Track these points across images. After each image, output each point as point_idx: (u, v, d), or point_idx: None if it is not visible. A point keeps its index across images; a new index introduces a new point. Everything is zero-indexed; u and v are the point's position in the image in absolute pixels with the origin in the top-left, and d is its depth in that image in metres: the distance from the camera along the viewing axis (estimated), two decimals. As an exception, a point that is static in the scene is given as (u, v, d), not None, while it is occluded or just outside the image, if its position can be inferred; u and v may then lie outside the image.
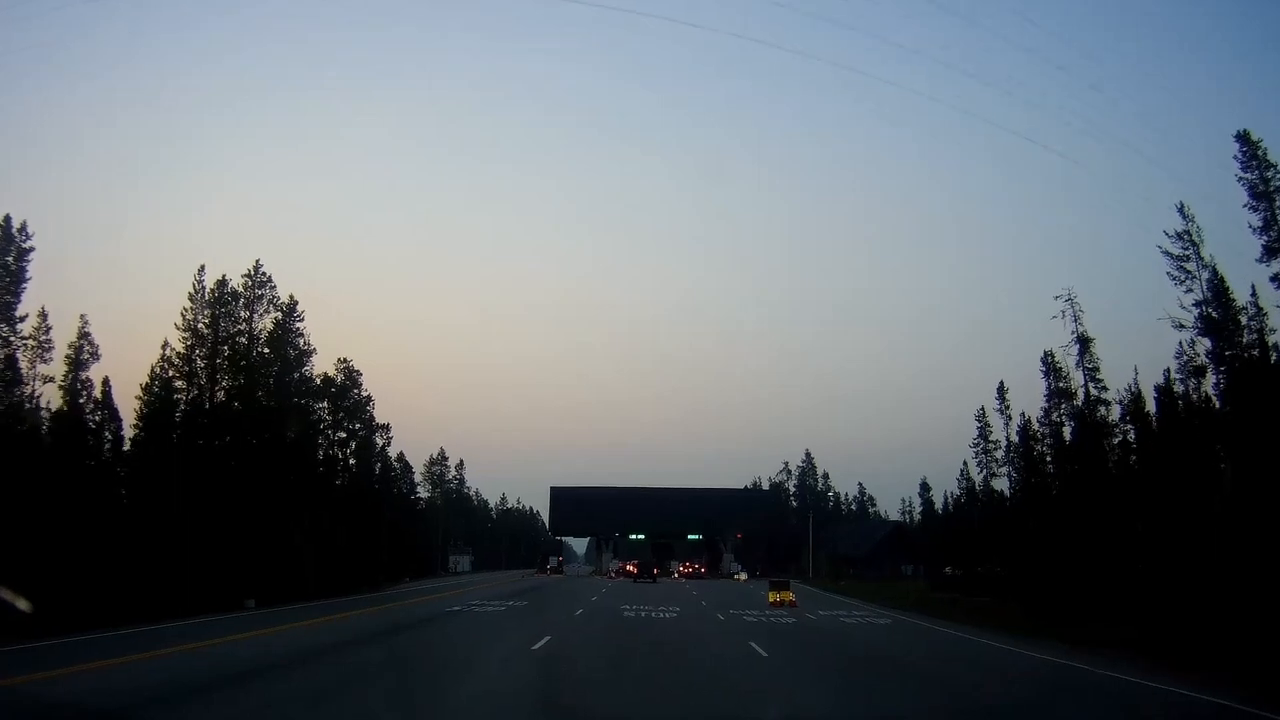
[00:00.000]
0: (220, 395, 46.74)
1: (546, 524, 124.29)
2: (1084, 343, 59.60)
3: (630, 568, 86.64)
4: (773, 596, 41.43)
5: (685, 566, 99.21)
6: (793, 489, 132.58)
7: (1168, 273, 42.12)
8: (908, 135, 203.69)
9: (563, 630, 25.19)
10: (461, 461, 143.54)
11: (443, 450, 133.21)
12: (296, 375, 53.68)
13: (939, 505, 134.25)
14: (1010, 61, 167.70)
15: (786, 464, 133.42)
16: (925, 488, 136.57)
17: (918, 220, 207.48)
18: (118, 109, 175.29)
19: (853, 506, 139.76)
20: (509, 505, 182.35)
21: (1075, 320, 55.22)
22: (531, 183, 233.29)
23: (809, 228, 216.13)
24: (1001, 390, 76.97)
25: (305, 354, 54.22)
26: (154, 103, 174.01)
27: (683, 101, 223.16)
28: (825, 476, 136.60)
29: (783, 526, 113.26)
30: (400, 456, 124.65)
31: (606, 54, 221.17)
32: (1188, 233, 43.14)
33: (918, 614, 37.98)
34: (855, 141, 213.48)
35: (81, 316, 45.89)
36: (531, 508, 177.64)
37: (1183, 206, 39.89)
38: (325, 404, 60.22)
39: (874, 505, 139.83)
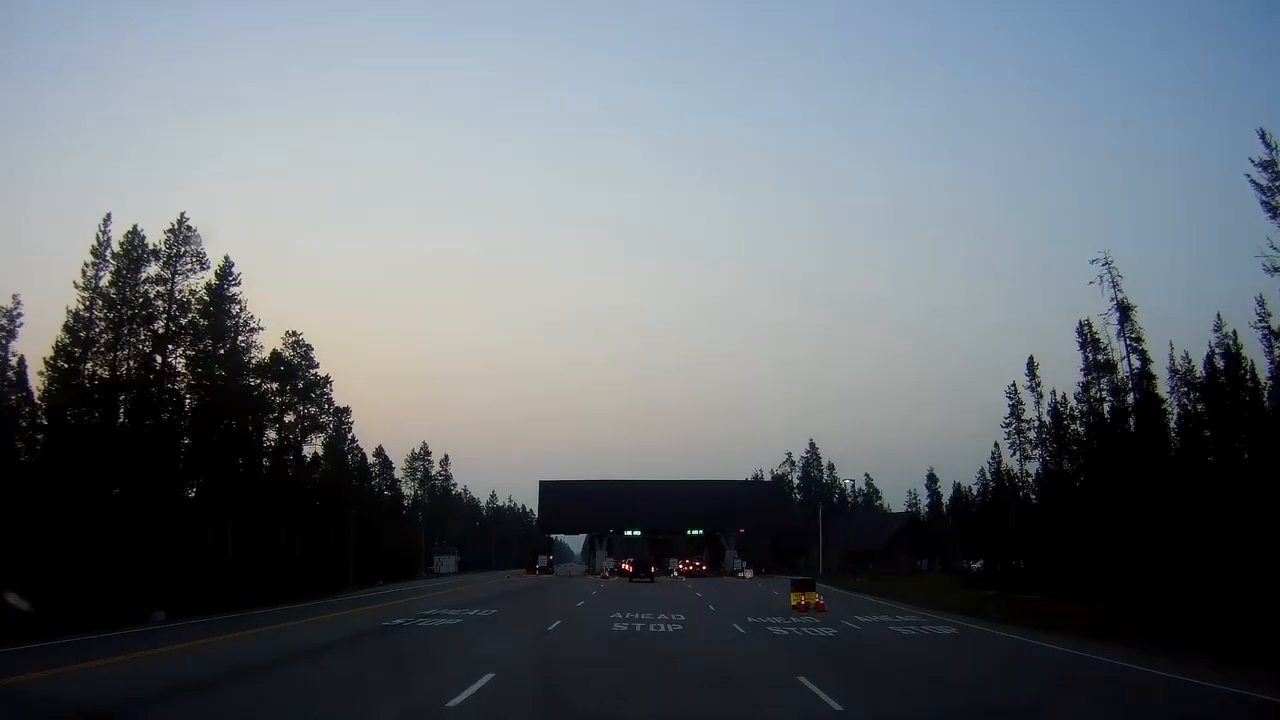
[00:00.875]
0: (130, 368, 39.19)
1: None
2: (1124, 310, 53.03)
3: (626, 566, 79.24)
4: (796, 599, 34.07)
5: (685, 564, 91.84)
6: (796, 481, 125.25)
7: (1262, 202, 37.27)
8: (923, 102, 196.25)
9: (521, 658, 17.86)
10: (446, 456, 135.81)
11: (425, 444, 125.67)
12: (228, 346, 46.02)
13: (947, 497, 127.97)
14: None
15: (789, 455, 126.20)
16: (933, 479, 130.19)
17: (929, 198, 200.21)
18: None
19: (858, 499, 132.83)
20: (500, 503, 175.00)
21: (1114, 286, 48.45)
22: (527, 177, 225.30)
23: (817, 213, 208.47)
24: (1031, 367, 70.03)
25: (245, 326, 46.62)
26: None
27: (681, 88, 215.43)
28: (831, 468, 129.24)
29: (787, 520, 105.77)
30: (379, 451, 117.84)
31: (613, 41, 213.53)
32: (1273, 162, 37.58)
33: (976, 619, 30.54)
34: (866, 106, 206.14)
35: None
36: (524, 506, 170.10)
37: (1264, 134, 35.07)
38: (276, 385, 52.67)
39: (878, 498, 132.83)
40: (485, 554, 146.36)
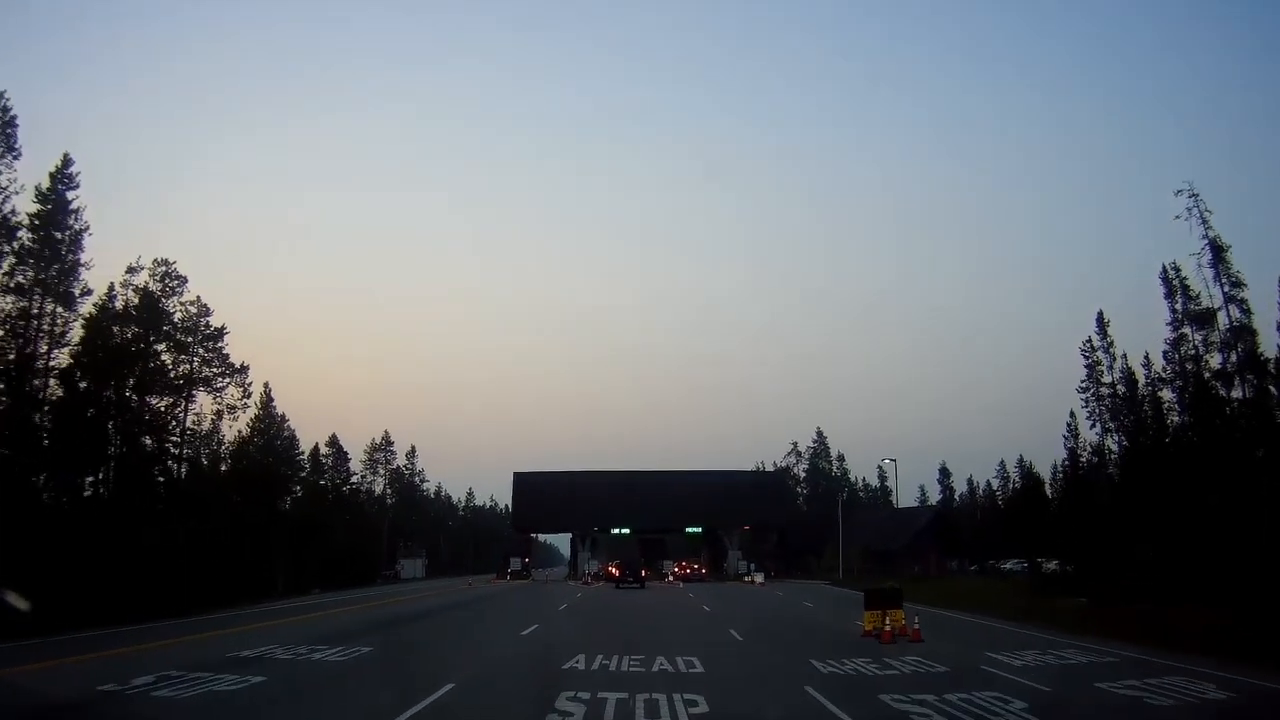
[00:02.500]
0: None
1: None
2: (1218, 250, 43.58)
3: (612, 569, 66.51)
4: (873, 621, 21.53)
5: (681, 567, 79.18)
6: (802, 474, 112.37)
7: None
8: (928, 82, 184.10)
9: None
10: (413, 448, 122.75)
11: (387, 434, 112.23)
12: (56, 270, 33.11)
13: (958, 493, 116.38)
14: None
15: (795, 445, 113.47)
16: (945, 474, 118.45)
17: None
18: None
19: (874, 495, 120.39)
20: (480, 502, 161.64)
21: (1203, 222, 40.63)
22: (524, 176, 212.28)
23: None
24: (1103, 323, 57.99)
25: (77, 236, 33.73)
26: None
27: (681, 88, 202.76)
28: (841, 459, 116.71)
29: (797, 516, 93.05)
30: (333, 440, 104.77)
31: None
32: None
33: (1171, 653, 17.64)
34: (867, 100, 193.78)
35: None
36: (506, 506, 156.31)
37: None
38: (136, 330, 39.62)
39: (890, 494, 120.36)
40: (463, 557, 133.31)
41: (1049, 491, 69.44)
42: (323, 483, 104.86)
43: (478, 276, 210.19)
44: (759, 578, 66.09)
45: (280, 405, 72.88)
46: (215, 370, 48.43)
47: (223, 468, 72.97)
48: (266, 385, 77.90)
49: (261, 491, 71.78)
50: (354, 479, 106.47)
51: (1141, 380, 52.59)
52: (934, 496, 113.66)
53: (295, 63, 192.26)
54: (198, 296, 44.91)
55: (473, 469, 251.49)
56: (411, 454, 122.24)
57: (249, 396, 50.37)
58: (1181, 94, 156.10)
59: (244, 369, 47.99)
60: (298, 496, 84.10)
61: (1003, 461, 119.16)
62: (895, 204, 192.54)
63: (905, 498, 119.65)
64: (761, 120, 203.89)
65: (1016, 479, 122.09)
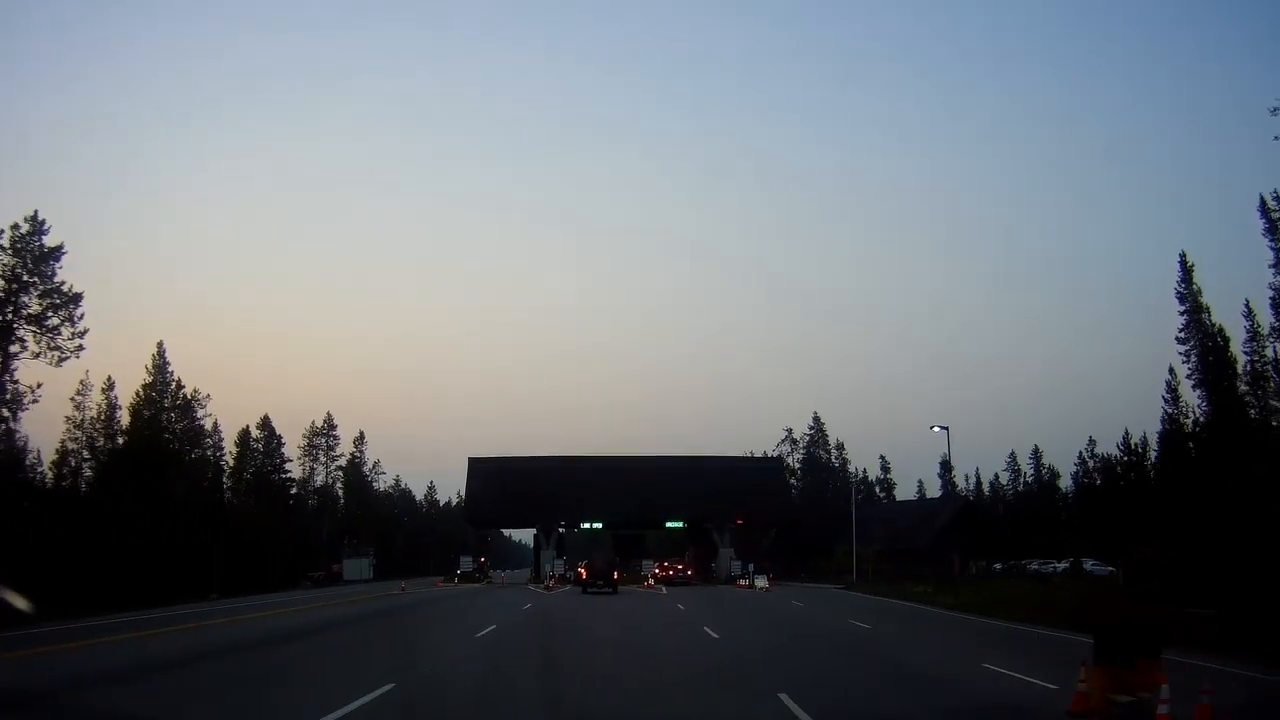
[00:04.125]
0: None
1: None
2: None
3: (582, 570, 54.49)
4: (1102, 686, 9.18)
5: (662, 568, 67.23)
6: (796, 464, 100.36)
7: None
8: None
9: None
10: (362, 434, 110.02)
11: (330, 417, 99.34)
12: None
13: (962, 486, 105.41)
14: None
15: (789, 432, 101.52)
16: (946, 466, 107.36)
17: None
18: None
19: (861, 490, 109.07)
20: (444, 498, 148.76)
21: None
22: (504, 170, 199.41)
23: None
24: (1186, 268, 46.83)
25: None
26: None
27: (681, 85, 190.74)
28: (840, 447, 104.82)
29: (795, 509, 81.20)
30: (265, 423, 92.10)
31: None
32: None
33: None
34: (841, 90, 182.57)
35: None
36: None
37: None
38: None
39: (893, 488, 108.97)
40: (422, 557, 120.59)
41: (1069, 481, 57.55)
42: (278, 476, 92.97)
43: (443, 259, 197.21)
44: (761, 581, 54.06)
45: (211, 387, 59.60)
46: (46, 303, 36.08)
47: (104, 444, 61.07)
48: (160, 346, 65.51)
49: (150, 475, 59.50)
50: (288, 466, 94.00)
51: (1242, 335, 41.33)
52: (937, 490, 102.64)
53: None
54: (35, 211, 32.70)
55: (440, 463, 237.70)
56: (360, 441, 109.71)
57: (81, 338, 37.45)
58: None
59: (76, 298, 35.45)
60: (208, 484, 71.89)
61: (1013, 453, 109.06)
62: (881, 198, 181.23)
63: (905, 492, 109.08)
64: (761, 97, 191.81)
65: (1029, 472, 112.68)
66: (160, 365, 66.05)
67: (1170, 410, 47.88)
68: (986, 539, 67.64)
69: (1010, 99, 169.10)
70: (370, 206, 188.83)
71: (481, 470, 76.06)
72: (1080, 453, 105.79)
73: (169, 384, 66.49)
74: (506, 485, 73.58)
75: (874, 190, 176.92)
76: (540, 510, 72.24)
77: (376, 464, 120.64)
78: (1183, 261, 46.45)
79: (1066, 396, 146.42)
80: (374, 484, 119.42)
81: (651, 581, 60.40)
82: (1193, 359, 43.23)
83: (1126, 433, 73.47)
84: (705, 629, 22.36)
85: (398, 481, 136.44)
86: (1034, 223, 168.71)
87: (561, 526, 74.60)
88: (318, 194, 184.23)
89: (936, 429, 42.01)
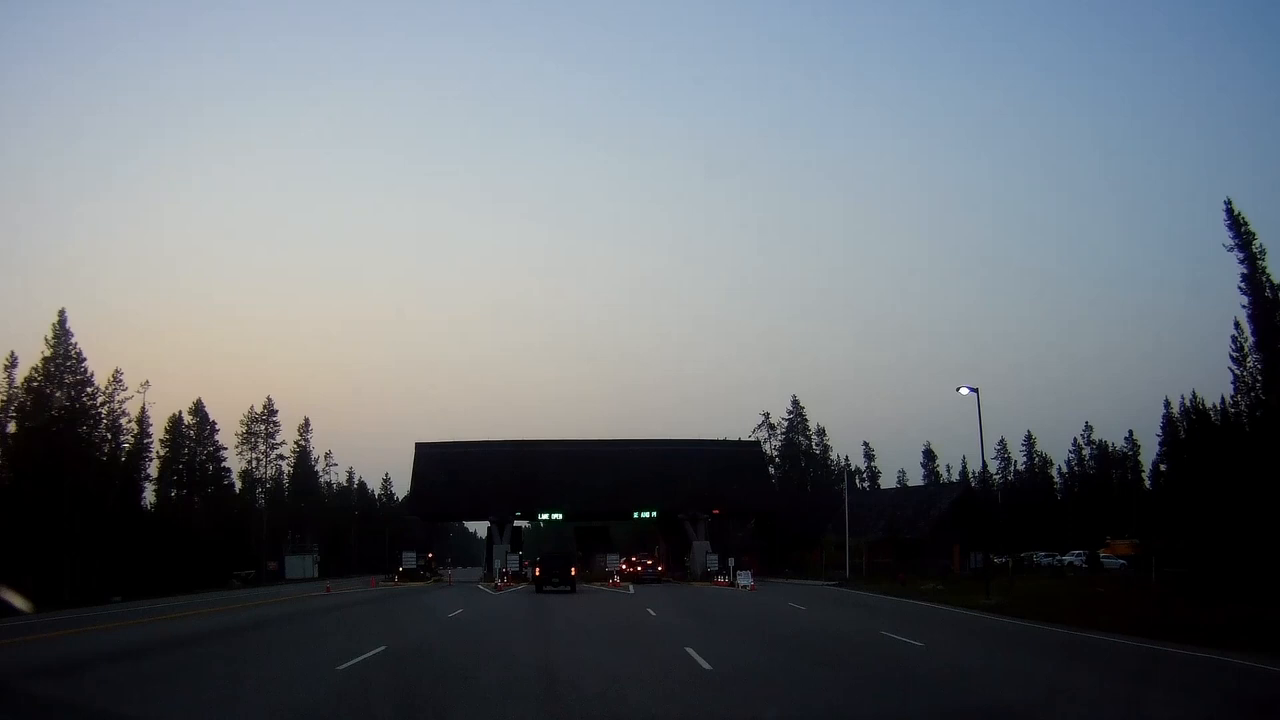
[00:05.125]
0: None
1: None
2: None
3: (536, 567, 47.12)
4: None
5: (629, 563, 59.97)
6: (774, 452, 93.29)
7: None
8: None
9: None
10: (307, 421, 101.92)
11: (270, 403, 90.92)
12: None
13: (945, 476, 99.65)
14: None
15: (766, 416, 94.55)
16: (930, 456, 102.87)
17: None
18: None
19: (850, 478, 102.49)
20: (399, 493, 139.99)
21: None
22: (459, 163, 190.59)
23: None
24: (1233, 218, 40.58)
25: None
26: None
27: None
28: (821, 433, 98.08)
29: (777, 498, 74.11)
30: (197, 408, 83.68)
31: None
32: None
33: None
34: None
35: None
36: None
37: None
38: None
39: (875, 478, 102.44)
40: (379, 554, 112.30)
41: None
42: (180, 463, 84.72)
43: (416, 250, 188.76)
44: (745, 579, 46.75)
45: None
46: None
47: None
48: (61, 314, 57.09)
49: (47, 460, 51.50)
50: (223, 454, 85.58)
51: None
52: (920, 480, 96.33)
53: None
54: None
55: (398, 458, 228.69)
56: (306, 429, 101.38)
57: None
58: None
59: None
60: (120, 471, 63.49)
61: (1003, 440, 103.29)
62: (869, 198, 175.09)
63: (887, 481, 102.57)
64: (751, 91, 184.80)
65: (1021, 461, 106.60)
66: (61, 336, 57.62)
67: (1238, 371, 41.02)
68: (986, 529, 60.92)
69: (981, 82, 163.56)
70: (331, 200, 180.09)
71: (429, 456, 68.17)
72: (1075, 439, 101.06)
73: (70, 358, 58.09)
74: (457, 473, 65.91)
75: (856, 177, 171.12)
76: (493, 500, 64.57)
77: (328, 455, 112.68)
78: (1228, 208, 39.84)
79: (1058, 383, 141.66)
80: (324, 477, 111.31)
81: (617, 579, 53.07)
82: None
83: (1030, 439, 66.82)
84: (689, 652, 15.03)
85: (351, 475, 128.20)
86: (1017, 211, 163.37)
87: (518, 518, 66.94)
88: (268, 180, 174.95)
89: (964, 390, 34.59)
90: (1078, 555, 62.68)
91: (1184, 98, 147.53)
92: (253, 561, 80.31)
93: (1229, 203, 40.64)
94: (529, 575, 50.82)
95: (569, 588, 43.29)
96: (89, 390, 57.44)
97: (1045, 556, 64.78)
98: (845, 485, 58.25)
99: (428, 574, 65.61)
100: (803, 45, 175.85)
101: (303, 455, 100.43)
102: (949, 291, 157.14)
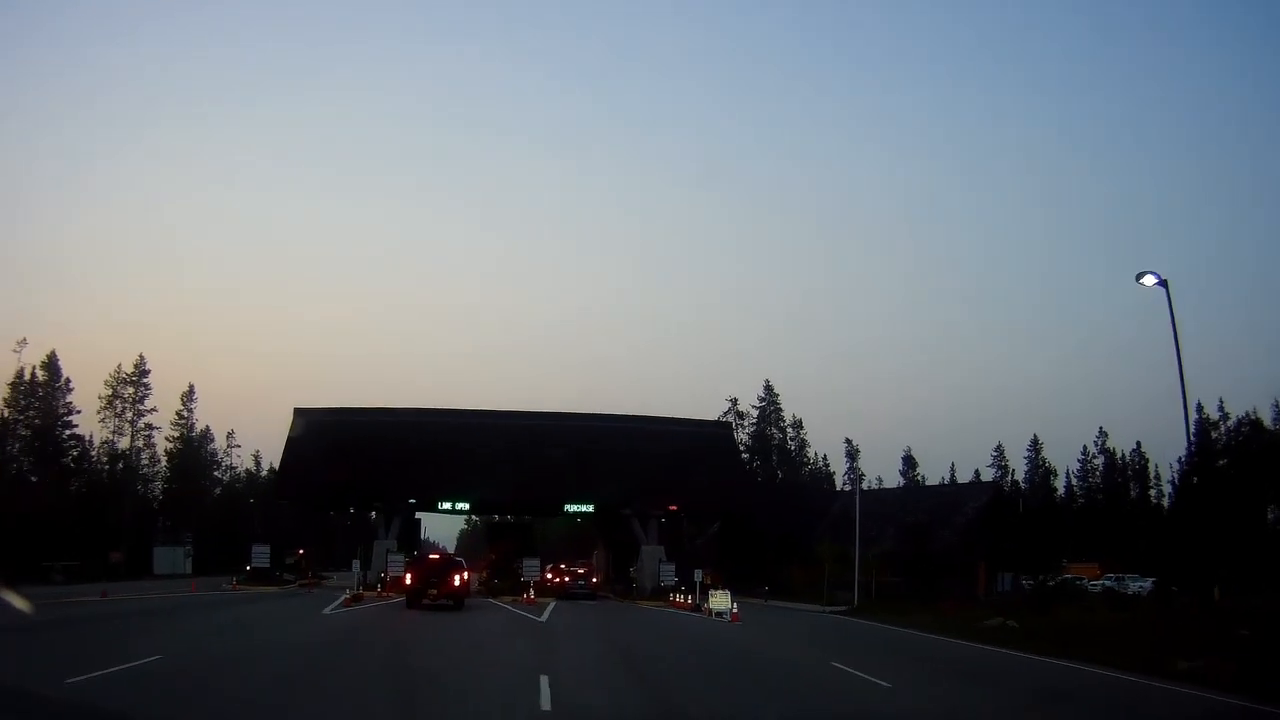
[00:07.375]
0: None
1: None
2: None
3: (409, 573, 32.09)
4: None
5: (556, 572, 45.16)
6: (744, 441, 78.47)
7: None
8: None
9: None
10: (191, 389, 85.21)
11: (142, 361, 74.59)
12: None
13: (927, 479, 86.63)
14: None
15: (734, 402, 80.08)
16: (910, 462, 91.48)
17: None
18: None
19: (829, 479, 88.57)
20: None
21: None
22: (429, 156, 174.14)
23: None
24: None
25: None
26: None
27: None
28: (798, 424, 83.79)
29: (749, 493, 59.09)
30: (50, 361, 67.18)
31: None
32: None
33: None
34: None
35: None
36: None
37: None
38: None
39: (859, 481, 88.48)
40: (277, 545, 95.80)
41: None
42: (24, 429, 68.80)
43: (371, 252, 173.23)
44: (721, 602, 31.77)
45: None
46: None
47: None
48: None
49: None
50: (75, 420, 69.63)
51: None
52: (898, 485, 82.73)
53: None
54: None
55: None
56: (189, 397, 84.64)
57: None
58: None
59: None
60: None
61: (1000, 447, 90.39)
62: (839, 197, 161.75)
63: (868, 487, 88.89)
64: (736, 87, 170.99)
65: (1023, 470, 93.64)
66: None
67: None
68: (1034, 542, 46.69)
69: (962, 85, 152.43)
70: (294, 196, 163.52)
71: (308, 426, 52.39)
72: (1085, 447, 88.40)
73: None
74: (342, 447, 50.07)
75: (837, 177, 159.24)
76: (385, 482, 49.15)
77: (231, 434, 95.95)
78: None
79: (1064, 390, 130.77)
80: (225, 460, 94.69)
81: (532, 594, 37.98)
82: None
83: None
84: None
85: (258, 460, 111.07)
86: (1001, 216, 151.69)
87: (413, 506, 51.39)
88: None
89: (1149, 280, 20.19)
90: (1136, 580, 48.63)
91: (1184, 99, 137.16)
92: (100, 551, 64.81)
93: None
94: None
95: (454, 604, 29.88)
96: None
97: (1091, 581, 50.88)
98: (856, 485, 43.71)
99: (290, 577, 50.11)
100: (781, 56, 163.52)
101: (186, 430, 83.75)
102: (947, 291, 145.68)
